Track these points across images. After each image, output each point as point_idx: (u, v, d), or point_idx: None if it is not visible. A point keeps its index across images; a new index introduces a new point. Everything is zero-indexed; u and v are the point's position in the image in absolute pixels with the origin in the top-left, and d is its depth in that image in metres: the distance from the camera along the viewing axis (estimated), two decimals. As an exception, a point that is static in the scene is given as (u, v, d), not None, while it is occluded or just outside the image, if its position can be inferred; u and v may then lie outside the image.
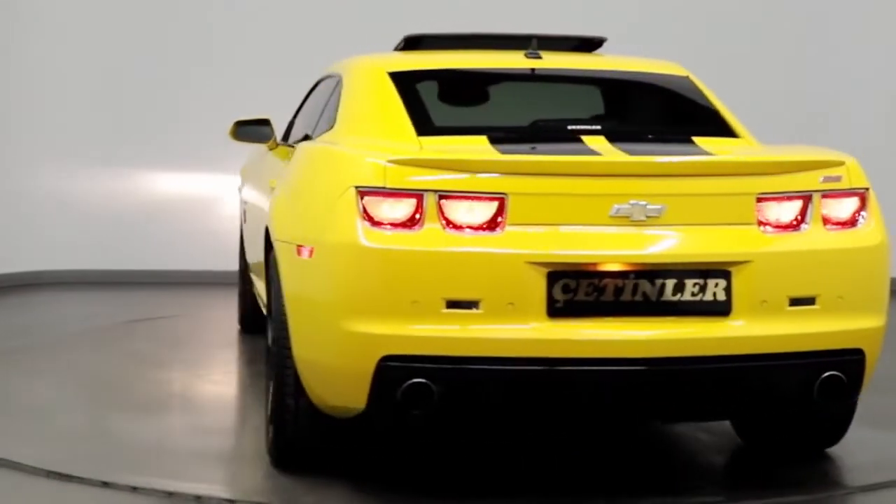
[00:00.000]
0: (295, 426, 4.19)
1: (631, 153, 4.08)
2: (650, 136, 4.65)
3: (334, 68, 5.49)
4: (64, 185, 9.50)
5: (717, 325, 3.86)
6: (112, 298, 9.08)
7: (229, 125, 6.00)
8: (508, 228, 3.75)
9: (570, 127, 4.63)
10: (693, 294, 3.83)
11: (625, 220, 3.81)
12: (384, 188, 3.74)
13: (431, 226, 3.73)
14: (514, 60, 5.02)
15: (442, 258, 3.71)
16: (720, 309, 3.87)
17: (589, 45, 5.47)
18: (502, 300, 3.71)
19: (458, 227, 3.75)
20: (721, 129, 4.73)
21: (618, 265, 3.81)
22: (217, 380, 6.48)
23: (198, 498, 4.19)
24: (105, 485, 4.37)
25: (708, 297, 3.84)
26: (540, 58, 4.96)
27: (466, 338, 3.72)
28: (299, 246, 4.01)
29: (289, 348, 4.09)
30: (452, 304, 3.72)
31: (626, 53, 5.66)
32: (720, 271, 3.85)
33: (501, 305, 3.71)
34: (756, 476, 4.64)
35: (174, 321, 8.00)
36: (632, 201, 3.80)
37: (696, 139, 4.54)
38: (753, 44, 9.21)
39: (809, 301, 3.94)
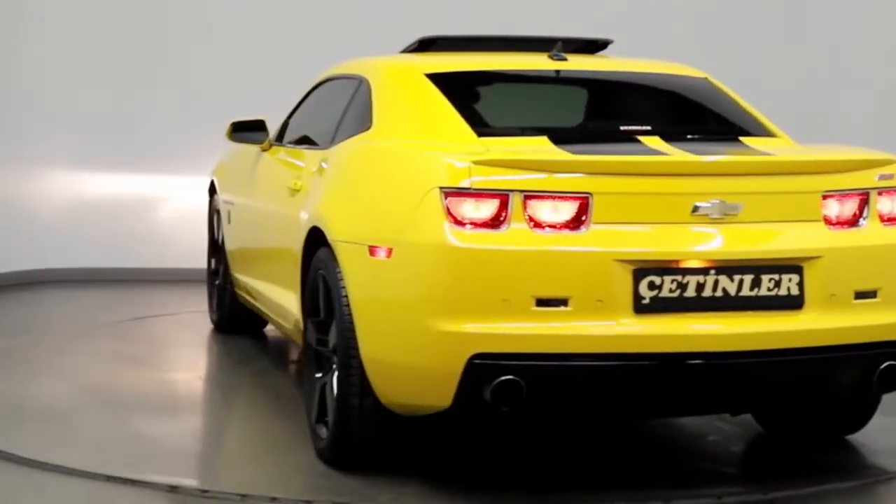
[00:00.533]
0: (360, 426, 4.20)
1: (696, 153, 4.19)
2: (700, 137, 4.75)
3: (348, 70, 5.47)
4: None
5: (791, 319, 3.99)
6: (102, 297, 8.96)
7: (226, 126, 6.04)
8: (593, 227, 3.81)
9: (621, 128, 4.73)
10: (769, 289, 3.95)
11: (704, 217, 3.92)
12: (469, 189, 3.76)
13: (517, 225, 3.76)
14: (539, 62, 5.07)
15: (532, 257, 3.76)
16: (794, 303, 4.00)
17: (595, 46, 5.57)
18: (591, 298, 3.77)
19: (543, 227, 3.79)
20: (760, 129, 4.89)
21: (700, 262, 3.90)
22: (227, 381, 6.42)
23: (273, 500, 4.17)
24: (173, 488, 4.33)
25: (783, 291, 3.97)
26: (565, 59, 5.04)
27: (556, 335, 3.77)
28: (373, 246, 4.00)
29: (354, 348, 4.09)
30: (542, 303, 3.76)
31: (622, 53, 5.77)
32: (794, 266, 3.98)
33: (590, 303, 3.77)
34: (775, 464, 4.79)
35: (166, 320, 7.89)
36: (712, 200, 3.90)
37: (743, 139, 4.70)
38: (742, 42, 9.37)
39: (871, 294, 4.12)
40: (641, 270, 3.80)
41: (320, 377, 4.52)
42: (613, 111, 5.17)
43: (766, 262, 3.96)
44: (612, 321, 3.79)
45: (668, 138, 4.40)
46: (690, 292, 3.87)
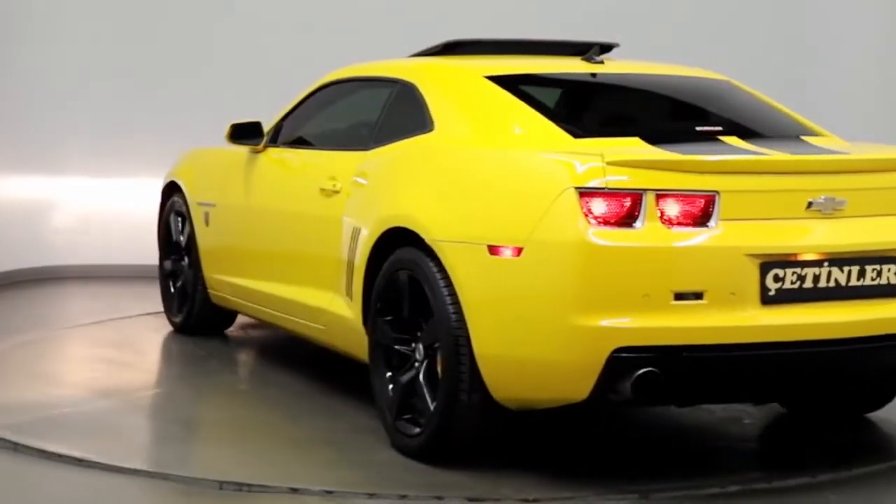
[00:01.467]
0: (466, 420, 4.29)
1: (784, 152, 4.46)
2: (768, 136, 4.92)
3: (376, 72, 5.55)
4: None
5: (891, 307, 4.31)
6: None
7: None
8: (721, 223, 4.01)
9: (697, 128, 4.96)
10: (872, 279, 4.27)
11: (817, 213, 4.22)
12: (604, 188, 3.88)
13: (651, 223, 3.90)
14: (577, 65, 5.26)
15: (670, 253, 3.95)
16: (893, 291, 4.32)
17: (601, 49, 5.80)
18: (725, 290, 3.99)
19: (676, 224, 3.95)
20: (807, 128, 5.18)
21: (816, 255, 4.17)
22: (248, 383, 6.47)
23: (402, 497, 4.23)
24: (294, 491, 4.34)
25: (883, 280, 4.29)
26: (602, 63, 5.24)
27: (693, 327, 3.96)
28: (494, 246, 4.05)
29: (464, 346, 4.16)
30: (680, 297, 3.93)
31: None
32: (893, 258, 4.33)
33: (724, 295, 3.98)
34: (798, 446, 5.10)
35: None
36: (823, 196, 4.19)
37: (805, 138, 4.98)
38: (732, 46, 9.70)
39: None
40: (767, 264, 4.04)
41: (392, 375, 4.58)
42: (671, 112, 5.35)
43: (869, 254, 4.24)
44: (742, 312, 4.00)
45: (744, 137, 4.64)
46: (808, 283, 4.15)
